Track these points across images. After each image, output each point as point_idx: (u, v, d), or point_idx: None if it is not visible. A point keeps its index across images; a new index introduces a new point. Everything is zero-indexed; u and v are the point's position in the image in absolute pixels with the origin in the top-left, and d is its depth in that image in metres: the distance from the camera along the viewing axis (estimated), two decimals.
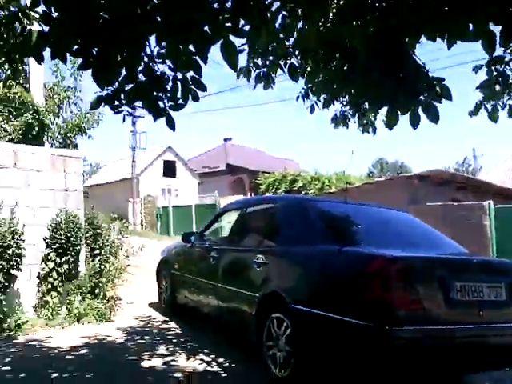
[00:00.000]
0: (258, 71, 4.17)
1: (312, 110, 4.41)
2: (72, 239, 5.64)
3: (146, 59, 2.21)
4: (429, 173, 11.35)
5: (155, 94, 2.25)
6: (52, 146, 10.11)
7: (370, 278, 2.99)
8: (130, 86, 2.31)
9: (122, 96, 2.34)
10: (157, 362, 4.13)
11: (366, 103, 3.55)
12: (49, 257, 5.55)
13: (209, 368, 4.05)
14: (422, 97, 2.55)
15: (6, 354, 4.27)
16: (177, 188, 31.32)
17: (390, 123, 2.74)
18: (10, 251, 4.97)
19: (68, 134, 10.62)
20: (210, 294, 5.02)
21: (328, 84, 3.57)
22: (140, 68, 2.20)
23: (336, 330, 3.17)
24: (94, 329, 5.30)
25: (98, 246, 6.36)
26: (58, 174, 6.09)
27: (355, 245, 3.51)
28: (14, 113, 10.06)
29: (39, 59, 2.71)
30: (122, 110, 2.51)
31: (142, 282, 7.44)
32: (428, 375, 3.06)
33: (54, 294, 5.46)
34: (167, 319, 5.92)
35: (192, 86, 2.27)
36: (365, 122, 4.27)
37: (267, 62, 4.11)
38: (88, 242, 6.30)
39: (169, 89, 2.28)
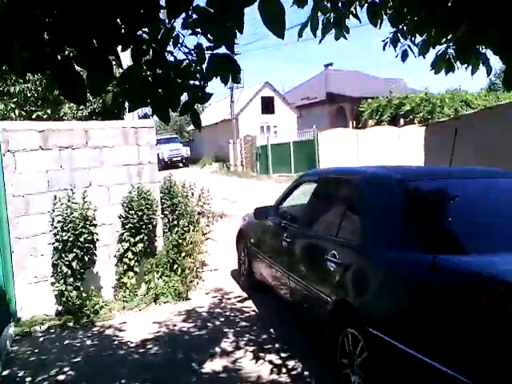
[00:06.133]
0: (325, 17, 3.34)
1: (404, 57, 3.54)
2: (144, 217, 5.50)
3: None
4: None
5: None
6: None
7: (482, 312, 2.05)
8: None
9: None
10: (219, 365, 3.88)
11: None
12: (123, 237, 5.49)
13: (275, 376, 3.66)
14: None
15: (77, 350, 4.28)
16: (276, 124, 30.78)
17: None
18: (82, 239, 4.95)
19: None
20: (282, 279, 4.59)
21: (425, 26, 2.84)
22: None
23: (429, 377, 2.31)
24: (169, 310, 5.27)
25: (175, 217, 6.23)
26: (131, 148, 5.91)
27: (460, 251, 2.56)
28: None
29: None
30: None
31: (230, 236, 6.99)
32: None
33: (130, 274, 5.44)
34: (244, 295, 5.72)
35: None
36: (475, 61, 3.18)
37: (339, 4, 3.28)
38: (165, 212, 6.18)
39: None
